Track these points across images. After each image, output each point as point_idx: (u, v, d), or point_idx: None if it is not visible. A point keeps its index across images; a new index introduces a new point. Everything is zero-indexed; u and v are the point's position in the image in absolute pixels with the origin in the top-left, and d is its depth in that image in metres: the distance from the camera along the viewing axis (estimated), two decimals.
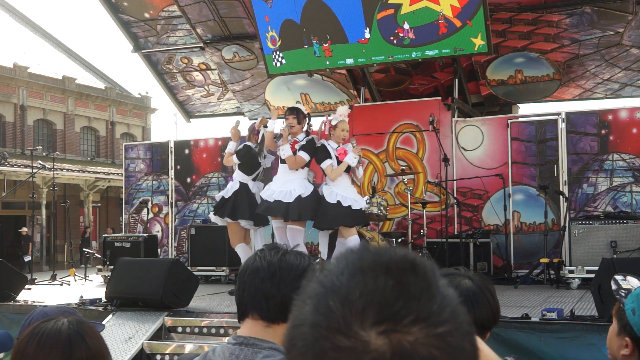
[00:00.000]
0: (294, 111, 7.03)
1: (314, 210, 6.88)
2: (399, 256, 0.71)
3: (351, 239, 6.64)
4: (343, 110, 6.99)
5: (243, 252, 7.45)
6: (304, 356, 0.68)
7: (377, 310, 0.66)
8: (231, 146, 7.58)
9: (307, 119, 7.10)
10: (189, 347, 5.99)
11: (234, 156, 7.53)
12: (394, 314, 0.66)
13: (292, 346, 0.70)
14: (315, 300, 0.69)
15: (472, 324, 0.73)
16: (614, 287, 1.89)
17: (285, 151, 6.82)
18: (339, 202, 6.64)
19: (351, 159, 6.72)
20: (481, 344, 0.93)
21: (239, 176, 7.56)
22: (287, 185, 6.82)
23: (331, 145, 6.81)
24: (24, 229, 21.12)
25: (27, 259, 19.22)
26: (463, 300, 1.78)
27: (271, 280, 1.60)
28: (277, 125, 7.14)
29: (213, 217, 7.73)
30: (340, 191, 6.71)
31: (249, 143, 7.61)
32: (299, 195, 6.75)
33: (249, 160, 7.52)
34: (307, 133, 7.02)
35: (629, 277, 1.91)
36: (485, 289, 1.82)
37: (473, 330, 0.72)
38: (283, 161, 6.98)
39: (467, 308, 1.74)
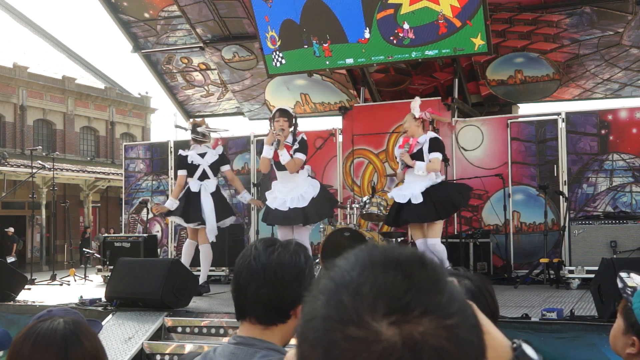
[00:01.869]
0: (285, 114, 6.89)
1: (328, 206, 7.03)
2: (407, 252, 0.74)
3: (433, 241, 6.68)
4: (414, 104, 6.97)
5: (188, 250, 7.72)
6: (315, 348, 0.69)
7: (388, 301, 0.68)
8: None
9: (296, 121, 7.01)
10: (189, 347, 5.98)
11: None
12: (404, 306, 0.68)
13: (303, 340, 0.71)
14: (327, 295, 0.71)
15: (479, 319, 0.75)
16: (619, 284, 1.88)
17: (284, 157, 6.73)
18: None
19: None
20: (491, 327, 0.94)
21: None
22: (296, 190, 6.78)
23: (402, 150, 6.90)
24: (10, 229, 21.09)
25: (10, 260, 19.07)
26: None
27: (267, 286, 1.59)
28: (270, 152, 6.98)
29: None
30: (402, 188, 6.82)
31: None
32: (312, 198, 6.74)
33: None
34: (294, 135, 6.90)
35: (632, 274, 1.91)
36: (484, 290, 1.81)
37: (480, 325, 0.74)
38: (281, 168, 6.88)
39: None
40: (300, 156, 6.78)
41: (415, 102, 6.93)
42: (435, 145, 6.76)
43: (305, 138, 6.99)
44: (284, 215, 6.76)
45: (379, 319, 0.67)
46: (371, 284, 0.69)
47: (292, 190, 6.79)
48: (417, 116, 6.83)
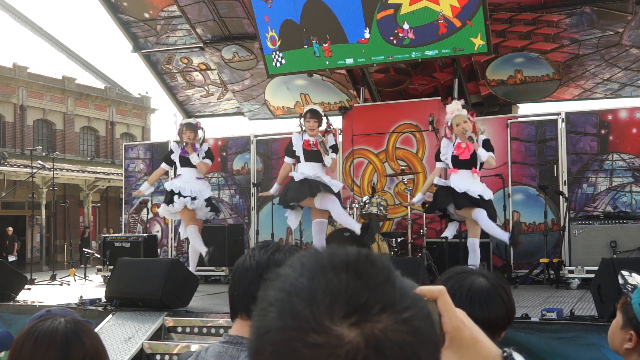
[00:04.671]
0: (315, 115, 7.40)
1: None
2: (354, 252, 0.72)
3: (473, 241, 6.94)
4: (451, 108, 7.06)
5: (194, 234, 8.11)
6: None
7: (345, 303, 0.67)
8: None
9: (328, 123, 7.54)
10: (189, 347, 5.98)
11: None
12: (362, 305, 0.67)
13: (259, 355, 0.69)
14: (279, 306, 0.69)
15: (430, 308, 0.75)
16: (620, 281, 1.90)
17: (328, 159, 7.25)
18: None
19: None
20: (481, 335, 0.93)
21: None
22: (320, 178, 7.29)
23: (450, 144, 6.96)
24: (9, 229, 21.14)
25: (11, 259, 19.24)
26: (478, 300, 1.78)
27: (259, 281, 1.61)
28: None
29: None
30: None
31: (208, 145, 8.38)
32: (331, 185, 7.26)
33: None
34: (325, 134, 7.42)
35: (634, 274, 1.93)
36: (500, 288, 1.79)
37: (431, 313, 0.75)
38: (309, 159, 7.33)
39: (481, 307, 1.74)
40: (334, 156, 7.37)
41: (458, 104, 7.04)
42: (490, 145, 6.99)
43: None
44: (307, 181, 7.21)
45: (339, 322, 0.66)
46: (324, 289, 0.68)
47: (316, 177, 7.27)
48: (468, 116, 6.90)
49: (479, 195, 6.75)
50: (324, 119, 7.49)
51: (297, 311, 0.67)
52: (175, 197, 7.92)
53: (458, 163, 6.84)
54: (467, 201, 6.81)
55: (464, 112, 6.93)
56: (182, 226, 8.30)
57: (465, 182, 6.84)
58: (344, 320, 0.66)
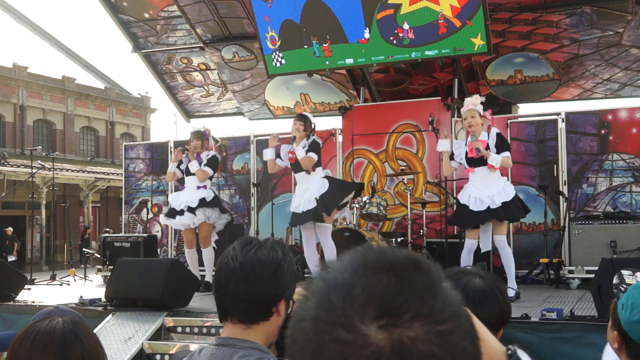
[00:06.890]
0: (301, 118, 7.31)
1: (337, 195, 7.21)
2: (402, 255, 0.72)
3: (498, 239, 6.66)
4: (467, 101, 6.84)
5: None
6: (304, 350, 0.68)
7: (378, 304, 0.67)
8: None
9: (312, 126, 7.36)
10: (188, 347, 5.98)
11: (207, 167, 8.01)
12: (395, 309, 0.66)
13: (293, 341, 0.70)
14: (318, 296, 0.70)
15: (474, 325, 0.72)
16: (615, 281, 1.91)
17: (299, 152, 7.10)
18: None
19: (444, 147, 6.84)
20: (486, 334, 0.93)
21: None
22: (308, 192, 7.11)
23: (462, 143, 6.81)
24: (9, 229, 21.15)
25: (11, 259, 19.28)
26: (472, 299, 1.79)
27: (245, 283, 1.59)
28: (269, 154, 7.45)
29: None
30: (472, 191, 6.64)
31: (215, 153, 8.14)
32: (317, 198, 7.03)
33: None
34: (309, 136, 7.24)
35: (638, 273, 1.93)
36: (496, 288, 1.81)
37: (476, 331, 0.72)
38: (297, 170, 7.23)
39: (476, 307, 1.76)
40: (312, 155, 7.12)
41: (477, 100, 6.75)
42: (505, 141, 6.72)
43: (318, 140, 7.30)
44: (297, 216, 7.19)
45: (369, 322, 0.66)
46: (363, 286, 0.68)
47: (306, 192, 7.12)
48: (482, 113, 6.69)
49: (501, 203, 6.43)
50: (312, 123, 7.33)
51: (331, 304, 0.68)
52: (178, 216, 7.88)
53: (473, 162, 6.61)
54: (491, 215, 6.53)
55: (479, 107, 6.65)
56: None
57: (485, 184, 6.53)
58: (374, 322, 0.66)
